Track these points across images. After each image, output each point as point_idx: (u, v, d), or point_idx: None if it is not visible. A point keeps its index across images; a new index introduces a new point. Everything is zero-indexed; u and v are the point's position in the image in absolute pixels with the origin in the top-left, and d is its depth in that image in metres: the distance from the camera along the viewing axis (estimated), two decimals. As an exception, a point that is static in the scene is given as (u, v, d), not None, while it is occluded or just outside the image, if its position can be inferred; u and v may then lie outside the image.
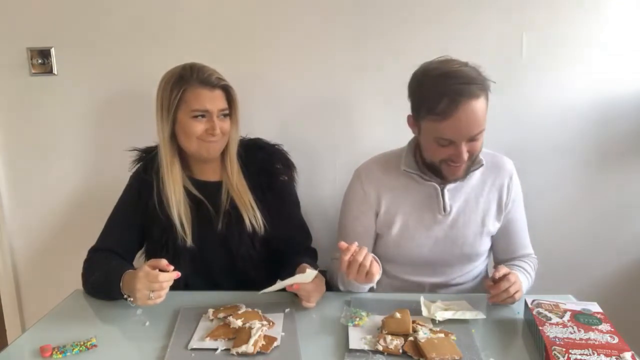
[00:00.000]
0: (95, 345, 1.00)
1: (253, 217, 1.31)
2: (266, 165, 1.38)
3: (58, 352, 0.97)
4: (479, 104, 1.10)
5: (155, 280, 1.05)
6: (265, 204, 1.35)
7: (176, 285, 1.24)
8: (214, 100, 1.25)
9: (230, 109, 1.30)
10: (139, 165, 1.39)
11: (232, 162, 1.33)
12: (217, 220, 1.31)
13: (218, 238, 1.31)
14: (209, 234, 1.31)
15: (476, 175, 1.28)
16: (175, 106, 1.24)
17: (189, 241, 1.28)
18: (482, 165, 1.24)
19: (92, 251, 1.30)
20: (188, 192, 1.31)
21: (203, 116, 1.25)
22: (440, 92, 1.10)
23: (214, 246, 1.31)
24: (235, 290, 1.24)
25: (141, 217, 1.32)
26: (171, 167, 1.29)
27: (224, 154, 1.34)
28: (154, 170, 1.32)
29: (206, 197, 1.32)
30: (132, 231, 1.33)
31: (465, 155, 1.14)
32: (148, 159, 1.37)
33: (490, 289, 1.12)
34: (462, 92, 1.08)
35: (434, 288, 1.33)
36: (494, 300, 1.12)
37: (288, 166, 1.42)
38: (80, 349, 0.99)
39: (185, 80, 1.24)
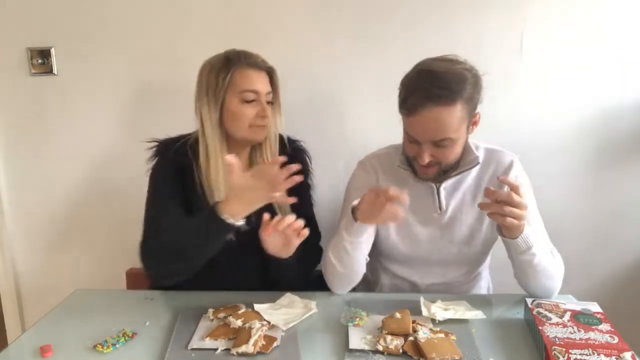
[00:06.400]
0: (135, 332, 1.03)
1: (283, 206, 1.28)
2: (295, 159, 1.31)
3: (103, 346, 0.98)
4: (446, 111, 1.07)
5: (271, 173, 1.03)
6: (292, 195, 1.26)
7: (206, 284, 1.20)
8: (262, 82, 1.25)
9: (274, 94, 1.29)
10: (158, 156, 1.30)
11: (273, 151, 1.30)
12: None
13: (252, 229, 1.19)
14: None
15: (473, 174, 1.27)
16: (225, 90, 1.22)
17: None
18: (477, 164, 1.23)
19: (144, 241, 1.20)
20: None
21: (253, 100, 1.24)
22: (413, 88, 1.10)
23: (247, 237, 1.19)
24: (240, 289, 1.22)
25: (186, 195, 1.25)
26: (220, 153, 1.24)
27: (263, 142, 1.30)
28: (194, 155, 1.26)
29: None
30: (182, 205, 1.24)
31: (426, 159, 1.13)
32: (177, 146, 1.28)
33: (488, 194, 1.05)
34: (430, 95, 1.07)
35: (432, 289, 1.32)
36: (484, 207, 1.06)
37: (309, 163, 1.42)
38: (124, 338, 1.01)
39: (233, 63, 1.23)
